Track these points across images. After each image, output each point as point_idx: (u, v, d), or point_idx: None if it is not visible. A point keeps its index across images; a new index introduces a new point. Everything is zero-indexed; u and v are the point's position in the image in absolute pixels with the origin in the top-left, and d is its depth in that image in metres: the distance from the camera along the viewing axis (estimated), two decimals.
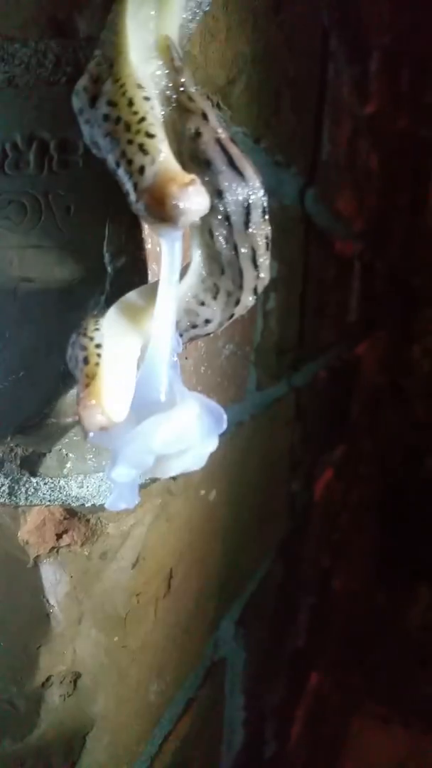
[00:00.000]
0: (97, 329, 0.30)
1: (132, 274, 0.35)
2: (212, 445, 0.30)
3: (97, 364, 0.29)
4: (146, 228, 0.36)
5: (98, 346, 0.29)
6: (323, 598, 1.13)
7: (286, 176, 0.62)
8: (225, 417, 0.30)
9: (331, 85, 0.75)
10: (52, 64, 0.35)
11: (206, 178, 0.28)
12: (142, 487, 0.41)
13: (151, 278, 0.36)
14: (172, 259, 0.29)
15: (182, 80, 0.30)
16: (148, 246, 0.36)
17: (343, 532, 1.27)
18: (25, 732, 0.38)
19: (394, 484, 1.91)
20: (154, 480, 0.41)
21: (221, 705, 0.62)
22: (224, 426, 0.30)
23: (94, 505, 0.38)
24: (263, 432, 0.64)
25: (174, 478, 0.45)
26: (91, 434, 0.28)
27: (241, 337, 0.54)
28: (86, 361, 0.29)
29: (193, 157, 0.29)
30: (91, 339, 0.29)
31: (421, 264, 1.86)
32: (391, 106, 1.25)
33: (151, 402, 0.30)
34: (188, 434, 0.30)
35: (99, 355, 0.29)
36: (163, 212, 0.26)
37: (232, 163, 0.28)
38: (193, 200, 0.26)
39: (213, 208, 0.28)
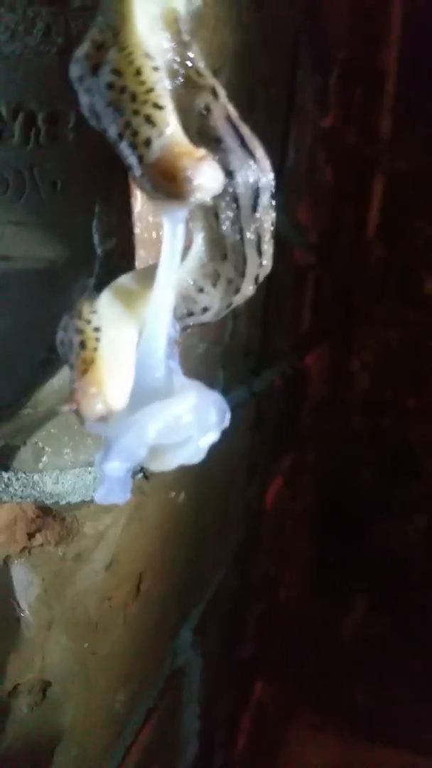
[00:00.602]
0: (93, 312, 0.28)
1: (121, 258, 0.33)
2: (212, 438, 0.29)
3: (95, 348, 0.27)
4: (135, 211, 0.34)
5: (96, 329, 0.27)
6: (268, 607, 1.13)
7: None
8: (228, 410, 0.29)
9: (299, 92, 0.75)
10: (41, 33, 0.33)
11: (216, 157, 0.27)
12: None
13: (138, 265, 0.35)
14: (173, 242, 0.28)
15: (190, 55, 0.28)
16: (137, 231, 0.34)
17: (288, 542, 1.27)
18: None
19: (332, 495, 1.94)
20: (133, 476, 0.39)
21: (180, 715, 0.60)
22: (227, 419, 0.29)
23: (69, 502, 0.36)
24: (227, 436, 0.63)
25: (147, 478, 0.43)
26: (88, 424, 0.26)
27: (214, 337, 0.53)
28: (83, 345, 0.27)
29: (202, 134, 0.27)
30: (89, 322, 0.27)
31: (360, 281, 1.90)
32: (344, 122, 1.27)
33: (148, 391, 0.28)
34: (185, 426, 0.28)
35: (98, 340, 0.27)
36: (173, 188, 0.25)
37: (243, 143, 0.27)
38: (207, 176, 0.24)
39: (222, 189, 0.27)
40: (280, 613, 1.32)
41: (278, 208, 0.75)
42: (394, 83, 1.80)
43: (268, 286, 0.72)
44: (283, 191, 0.74)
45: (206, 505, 0.58)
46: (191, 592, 0.59)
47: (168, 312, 0.28)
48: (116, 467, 0.27)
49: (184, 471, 0.50)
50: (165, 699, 0.54)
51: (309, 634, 1.66)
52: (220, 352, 0.56)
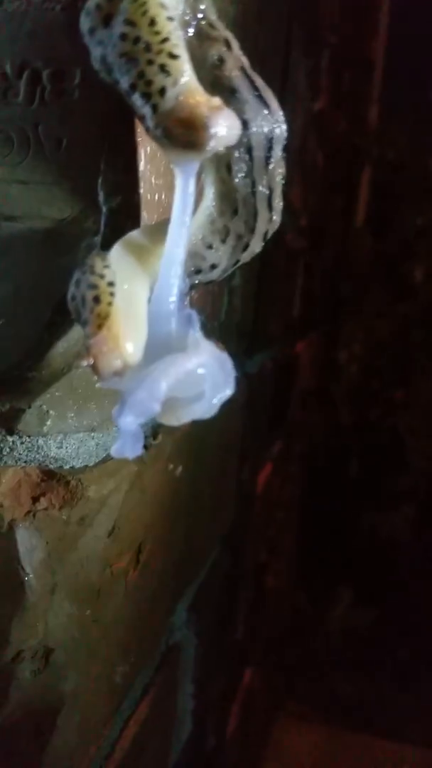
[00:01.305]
0: (106, 267, 0.28)
1: (126, 217, 0.33)
2: (224, 395, 0.29)
3: (110, 303, 0.26)
4: (139, 170, 0.34)
5: (111, 284, 0.27)
6: (258, 593, 1.13)
7: None
8: (233, 369, 0.29)
9: (292, 71, 0.75)
10: None
11: (230, 107, 0.27)
12: None
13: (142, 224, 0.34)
14: (185, 196, 0.27)
15: (201, 7, 0.28)
16: (140, 191, 0.34)
17: (277, 529, 1.27)
18: None
19: (319, 486, 1.94)
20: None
21: (175, 692, 0.60)
22: (233, 377, 0.29)
23: (72, 467, 0.36)
24: (221, 415, 0.63)
25: (146, 448, 0.43)
26: (104, 378, 0.26)
27: (211, 311, 0.52)
28: (97, 300, 0.27)
29: (216, 85, 0.27)
30: (102, 277, 0.27)
31: (349, 270, 1.90)
32: (334, 108, 1.27)
33: (160, 344, 0.28)
34: (197, 381, 0.28)
35: (112, 294, 0.27)
36: (190, 136, 0.24)
37: (257, 93, 0.27)
38: (224, 124, 0.24)
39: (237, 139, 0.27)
40: (267, 601, 1.33)
41: None
42: (381, 73, 1.81)
43: (260, 268, 0.72)
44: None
45: (202, 480, 0.58)
46: (187, 569, 0.58)
47: (180, 266, 0.28)
48: (130, 421, 0.27)
49: (182, 444, 0.50)
50: (161, 674, 0.54)
51: (295, 624, 1.66)
52: (217, 327, 0.55)
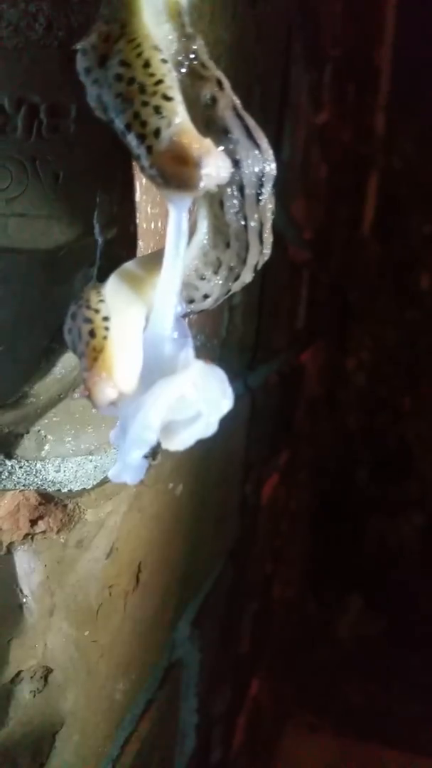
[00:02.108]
0: (101, 301, 0.28)
1: (122, 247, 0.34)
2: (221, 411, 0.29)
3: (105, 337, 0.27)
4: (137, 201, 0.34)
5: (105, 318, 0.28)
6: (264, 605, 1.13)
7: None
8: (227, 382, 0.29)
9: (293, 88, 0.76)
10: (42, 27, 0.33)
11: (222, 147, 0.27)
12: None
13: (138, 254, 0.35)
14: (179, 230, 0.28)
15: (194, 47, 0.29)
16: (137, 221, 0.35)
17: (284, 539, 1.28)
18: None
19: (327, 494, 1.94)
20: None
21: (177, 707, 0.60)
22: (229, 392, 0.29)
23: (70, 490, 0.36)
24: (224, 430, 0.63)
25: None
26: (101, 408, 0.27)
27: (211, 330, 0.53)
28: (93, 334, 0.27)
29: (209, 125, 0.28)
30: (97, 311, 0.28)
31: (356, 279, 1.91)
32: (338, 119, 1.28)
33: (156, 369, 0.29)
34: (191, 402, 0.29)
35: (107, 328, 0.27)
36: (183, 177, 0.25)
37: (248, 133, 0.28)
38: (216, 165, 0.25)
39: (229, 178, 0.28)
40: (275, 611, 1.33)
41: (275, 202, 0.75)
42: (388, 81, 1.81)
43: (263, 282, 0.73)
44: (277, 186, 0.74)
45: (203, 498, 0.59)
46: (189, 585, 0.59)
47: (175, 296, 0.29)
48: (135, 456, 0.28)
49: (182, 463, 0.51)
50: (163, 690, 0.54)
51: (304, 633, 1.66)
52: (217, 345, 0.56)
